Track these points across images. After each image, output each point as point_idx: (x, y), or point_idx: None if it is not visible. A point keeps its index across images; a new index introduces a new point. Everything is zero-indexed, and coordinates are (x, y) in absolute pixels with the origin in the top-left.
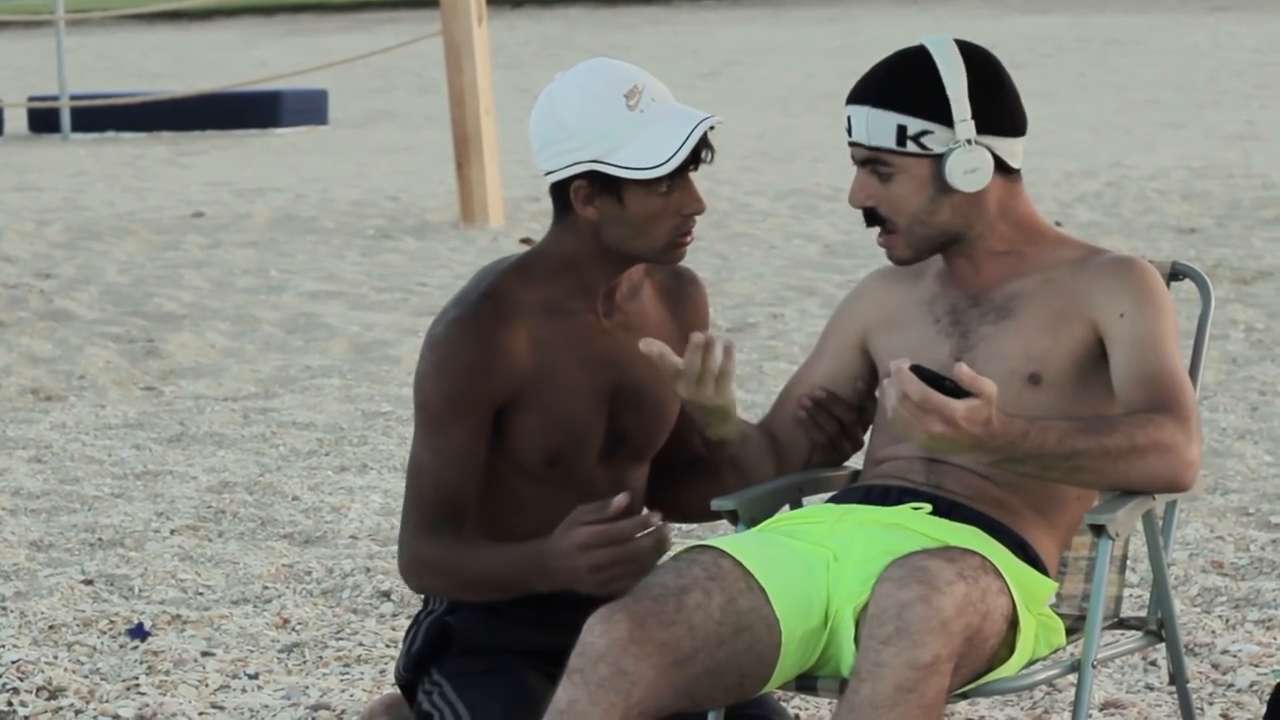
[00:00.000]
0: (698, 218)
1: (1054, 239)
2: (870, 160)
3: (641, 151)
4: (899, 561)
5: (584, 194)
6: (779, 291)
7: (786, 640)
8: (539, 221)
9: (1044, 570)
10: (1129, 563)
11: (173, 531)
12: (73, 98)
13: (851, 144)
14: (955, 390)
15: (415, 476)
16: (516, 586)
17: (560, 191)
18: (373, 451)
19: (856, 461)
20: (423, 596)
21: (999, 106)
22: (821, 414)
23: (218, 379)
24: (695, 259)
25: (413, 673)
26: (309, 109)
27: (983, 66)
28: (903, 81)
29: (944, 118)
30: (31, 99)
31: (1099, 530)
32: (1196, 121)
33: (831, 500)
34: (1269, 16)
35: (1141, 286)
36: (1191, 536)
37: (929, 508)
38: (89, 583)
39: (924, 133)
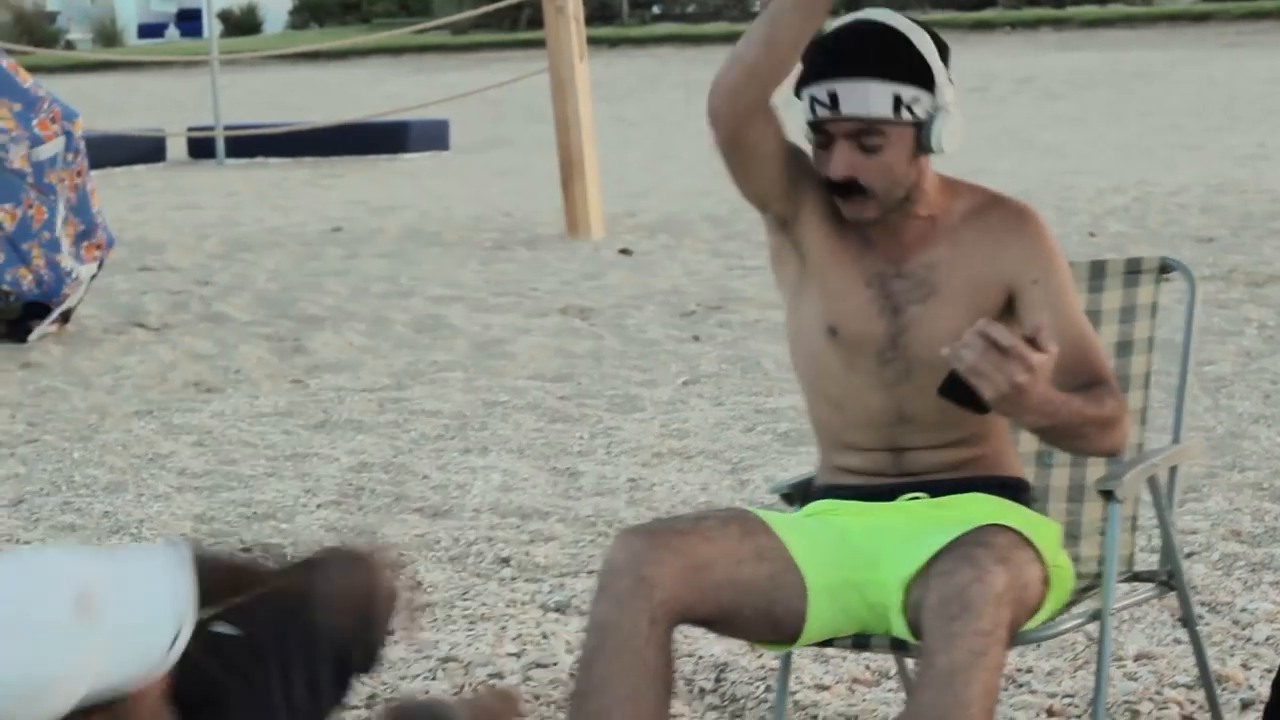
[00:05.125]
0: None
1: (949, 191)
2: (861, 132)
3: None
4: (948, 554)
5: None
6: None
7: (812, 588)
8: (635, 234)
9: (1025, 484)
10: (1153, 527)
11: (319, 506)
12: (227, 128)
13: (839, 119)
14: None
15: None
16: None
17: None
18: (492, 436)
19: None
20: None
21: (948, 69)
22: None
23: (356, 373)
24: None
25: None
26: (433, 137)
27: (934, 33)
28: (892, 53)
29: (928, 84)
30: (191, 129)
31: (1109, 495)
32: (1213, 144)
33: (829, 497)
34: (1278, 51)
35: (1045, 246)
36: (1213, 508)
37: (925, 495)
38: (247, 551)
39: (914, 100)
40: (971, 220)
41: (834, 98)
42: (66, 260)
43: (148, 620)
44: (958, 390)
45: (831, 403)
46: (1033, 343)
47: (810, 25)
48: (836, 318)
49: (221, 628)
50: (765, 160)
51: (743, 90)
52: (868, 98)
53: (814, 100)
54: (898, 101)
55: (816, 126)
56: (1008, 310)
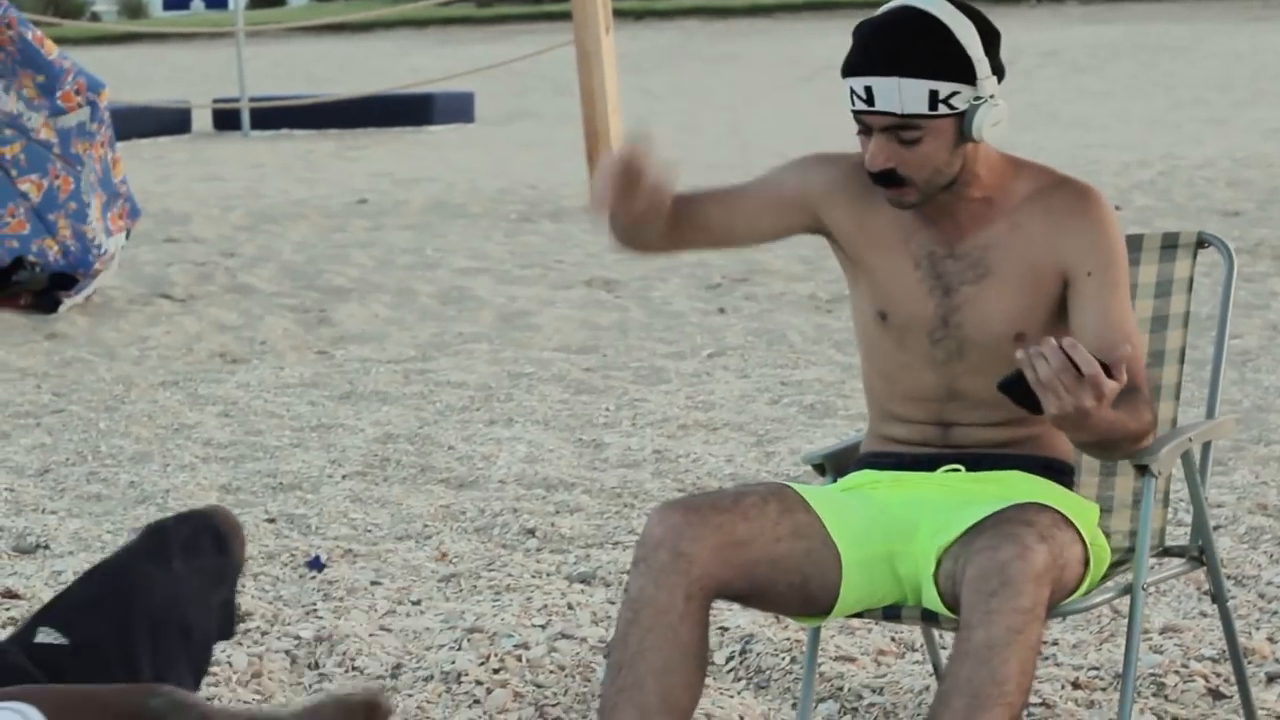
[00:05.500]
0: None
1: (1010, 171)
2: (898, 127)
3: None
4: (991, 530)
5: None
6: None
7: (846, 563)
8: None
9: (1070, 468)
10: (1183, 504)
11: (344, 477)
12: (252, 100)
13: (874, 113)
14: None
15: None
16: None
17: None
18: (518, 407)
19: None
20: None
21: (997, 55)
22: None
23: (381, 344)
24: None
25: None
26: (458, 109)
27: (981, 19)
28: (928, 49)
29: (968, 77)
30: (216, 101)
31: (1143, 470)
32: (1239, 118)
33: (869, 467)
34: None
35: (1104, 234)
36: (1239, 482)
37: (961, 469)
38: (272, 521)
39: (953, 94)
40: (1033, 201)
41: (869, 92)
42: (95, 232)
43: None
44: (1018, 392)
45: (884, 375)
46: (1107, 369)
47: (651, 233)
48: (885, 302)
49: (46, 636)
50: (725, 233)
51: (632, 246)
52: (902, 95)
53: (853, 92)
54: (934, 97)
55: (856, 116)
56: (1066, 293)
